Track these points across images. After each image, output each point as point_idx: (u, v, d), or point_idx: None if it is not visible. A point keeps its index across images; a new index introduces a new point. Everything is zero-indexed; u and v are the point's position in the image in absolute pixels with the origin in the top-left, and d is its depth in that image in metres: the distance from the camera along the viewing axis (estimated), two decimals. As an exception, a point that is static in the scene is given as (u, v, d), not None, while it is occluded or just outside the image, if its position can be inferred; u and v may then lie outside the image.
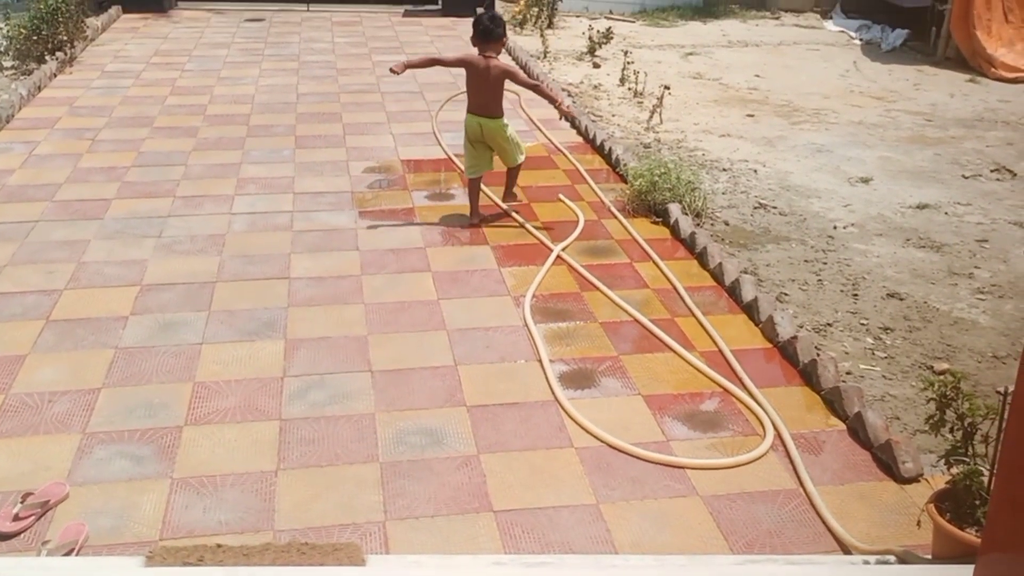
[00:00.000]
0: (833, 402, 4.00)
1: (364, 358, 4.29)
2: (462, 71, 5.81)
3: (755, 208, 6.23)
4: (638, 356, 4.36)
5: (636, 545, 3.19)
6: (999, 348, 4.59)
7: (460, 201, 6.18)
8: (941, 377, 3.71)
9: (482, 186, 5.92)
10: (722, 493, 3.46)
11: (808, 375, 4.20)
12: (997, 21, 10.59)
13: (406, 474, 3.52)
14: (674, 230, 5.75)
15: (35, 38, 9.27)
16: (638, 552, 3.15)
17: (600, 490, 3.45)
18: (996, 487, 2.31)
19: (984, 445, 2.80)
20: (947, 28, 10.81)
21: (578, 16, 13.20)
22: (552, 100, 6.03)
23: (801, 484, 3.50)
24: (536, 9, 12.44)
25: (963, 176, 7.03)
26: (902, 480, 3.52)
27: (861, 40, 12.11)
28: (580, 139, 7.61)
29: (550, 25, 12.30)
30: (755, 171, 6.96)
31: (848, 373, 4.31)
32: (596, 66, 10.28)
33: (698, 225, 5.77)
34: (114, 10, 12.18)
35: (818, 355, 4.27)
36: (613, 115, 8.37)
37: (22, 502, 3.21)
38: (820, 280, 5.23)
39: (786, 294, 5.05)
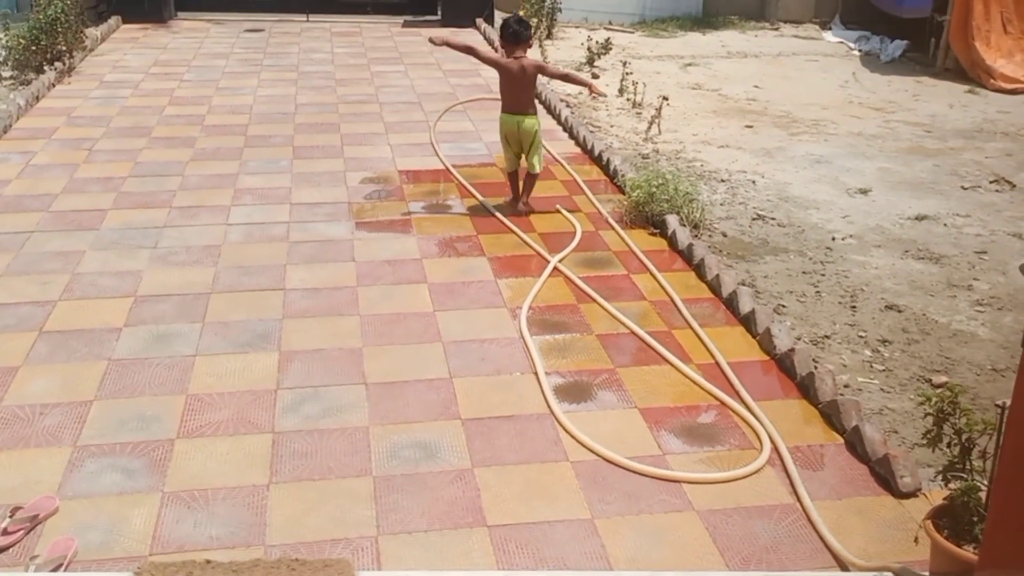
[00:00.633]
0: (831, 415, 3.96)
1: (359, 370, 4.27)
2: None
3: (753, 219, 6.21)
4: (635, 369, 4.34)
5: (632, 561, 3.16)
6: (998, 361, 4.56)
7: (457, 212, 6.17)
8: (939, 391, 3.68)
9: (484, 199, 5.93)
10: (718, 508, 3.42)
11: (806, 388, 4.17)
12: (996, 32, 10.58)
13: (399, 488, 3.48)
14: (672, 242, 5.73)
15: (34, 48, 9.26)
16: (633, 568, 3.12)
17: (595, 505, 3.41)
18: (993, 503, 2.28)
19: (982, 460, 2.77)
20: (946, 39, 10.81)
21: (577, 27, 13.20)
22: (584, 84, 6.48)
23: (798, 499, 3.47)
24: (535, 20, 12.43)
25: (962, 187, 7.01)
26: (900, 495, 3.49)
27: (860, 51, 12.10)
28: (578, 150, 7.59)
29: (549, 35, 12.30)
30: (753, 182, 6.94)
31: (846, 386, 4.28)
32: (595, 76, 10.26)
33: (696, 236, 5.75)
34: (114, 20, 12.19)
35: (816, 368, 4.24)
36: (611, 126, 8.35)
37: (11, 516, 3.18)
38: (818, 292, 5.20)
39: (784, 306, 5.02)
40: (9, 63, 9.36)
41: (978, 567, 2.27)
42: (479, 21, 12.80)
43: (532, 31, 6.03)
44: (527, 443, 3.76)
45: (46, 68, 9.28)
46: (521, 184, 6.24)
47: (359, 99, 9.00)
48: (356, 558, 3.11)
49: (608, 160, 7.00)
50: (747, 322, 4.73)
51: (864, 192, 6.81)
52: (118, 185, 6.52)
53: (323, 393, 4.08)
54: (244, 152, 7.30)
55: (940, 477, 2.94)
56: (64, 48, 9.62)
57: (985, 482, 2.70)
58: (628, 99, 9.17)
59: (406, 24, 13.17)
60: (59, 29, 9.46)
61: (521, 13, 12.35)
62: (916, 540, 3.06)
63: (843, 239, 5.94)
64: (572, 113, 8.40)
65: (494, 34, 12.01)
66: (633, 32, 13.10)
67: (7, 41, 9.37)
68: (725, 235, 5.94)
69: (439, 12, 13.37)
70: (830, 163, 7.47)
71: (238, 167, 6.95)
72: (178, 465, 3.58)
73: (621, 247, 5.70)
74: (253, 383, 4.14)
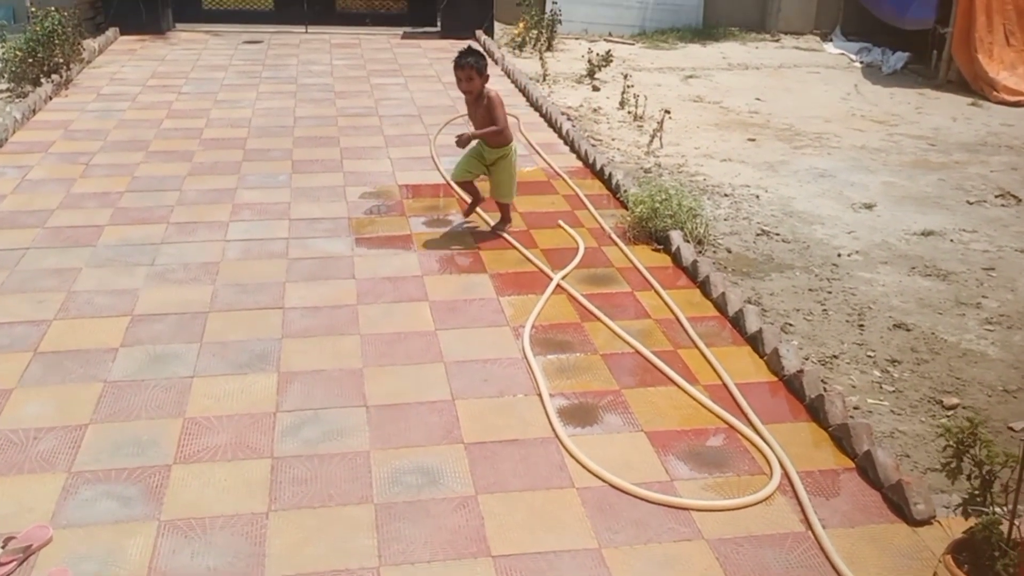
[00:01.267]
0: (841, 439, 3.88)
1: (359, 392, 4.18)
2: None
3: (758, 235, 6.14)
4: (640, 390, 4.26)
5: (640, 592, 3.08)
6: (1009, 381, 4.49)
7: (458, 227, 6.09)
8: (951, 412, 3.61)
9: (480, 210, 5.86)
10: (728, 536, 3.34)
11: (815, 410, 4.09)
12: (999, 44, 10.54)
13: (401, 516, 3.40)
14: (676, 258, 5.66)
15: (31, 60, 9.18)
16: (642, 600, 3.04)
17: (603, 533, 3.33)
18: None
19: (1004, 493, 2.69)
20: (948, 51, 10.77)
21: (577, 39, 13.16)
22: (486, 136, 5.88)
23: (810, 527, 3.39)
24: (535, 32, 12.39)
25: (968, 202, 6.95)
26: (914, 522, 3.41)
27: (862, 63, 12.06)
28: (580, 163, 7.52)
29: (549, 48, 12.26)
30: (757, 196, 6.87)
31: (856, 408, 4.21)
32: (596, 89, 10.22)
33: (700, 253, 5.67)
34: (111, 32, 12.13)
35: (825, 389, 4.16)
36: (613, 139, 8.29)
37: (3, 546, 3.09)
38: (825, 310, 5.13)
39: (791, 324, 4.95)
40: (5, 76, 9.28)
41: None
42: (479, 32, 12.74)
43: (484, 62, 5.70)
44: (532, 468, 3.68)
45: (43, 81, 9.20)
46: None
47: (359, 112, 8.94)
48: (357, 590, 3.03)
49: (610, 174, 6.93)
50: (754, 342, 4.65)
51: (869, 207, 6.74)
52: (115, 200, 6.44)
53: (323, 416, 4.00)
54: (243, 166, 7.22)
55: (960, 510, 2.86)
56: (61, 60, 9.54)
57: (1007, 515, 2.62)
58: (629, 112, 9.11)
59: (405, 36, 13.12)
60: (56, 41, 9.37)
61: (521, 25, 12.43)
62: (935, 575, 2.97)
63: (849, 255, 5.87)
64: (573, 126, 8.34)
65: (494, 46, 11.98)
66: (633, 44, 13.06)
67: (3, 53, 9.29)
68: (730, 251, 5.87)
69: (438, 23, 13.32)
70: (834, 177, 7.41)
71: (236, 182, 6.87)
72: (175, 492, 3.49)
73: (624, 263, 5.63)
74: (252, 405, 4.06)
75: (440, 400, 4.13)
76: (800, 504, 3.51)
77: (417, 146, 7.85)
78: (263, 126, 8.35)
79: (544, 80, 10.46)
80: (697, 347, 4.65)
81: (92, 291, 5.08)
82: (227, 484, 3.55)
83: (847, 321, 5.01)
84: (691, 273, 5.44)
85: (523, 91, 9.83)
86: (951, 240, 6.18)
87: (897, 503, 3.50)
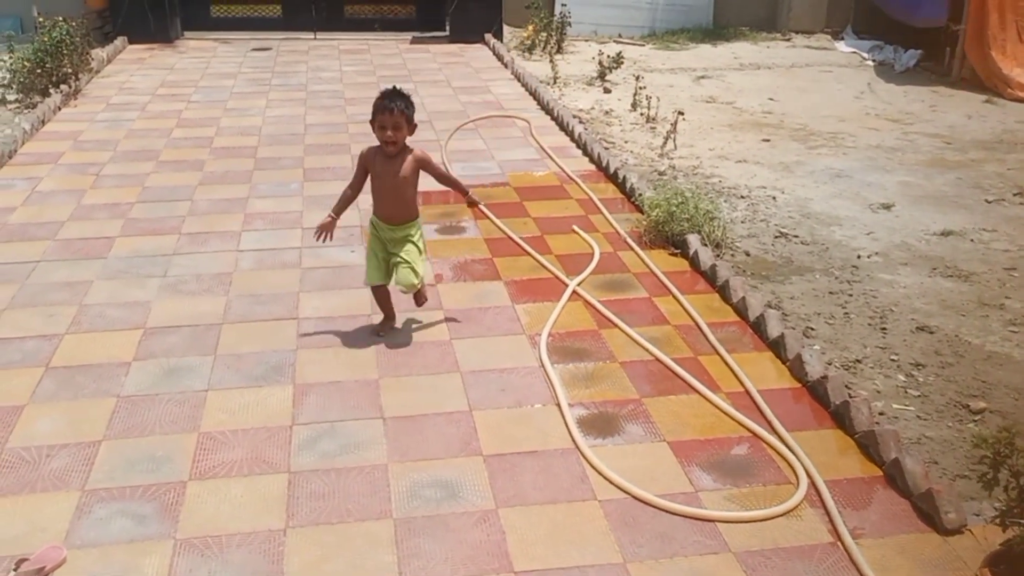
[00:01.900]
0: (868, 446, 3.80)
1: (376, 404, 4.12)
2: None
3: (776, 237, 6.06)
4: (661, 399, 4.18)
5: (667, 608, 3.01)
6: (1037, 384, 4.40)
7: (471, 235, 6.03)
8: (979, 416, 3.52)
9: (494, 216, 5.75)
10: (755, 549, 3.27)
11: (840, 417, 4.01)
12: (1012, 41, 10.43)
13: (421, 531, 3.33)
14: (693, 262, 5.58)
15: (39, 71, 9.17)
16: (669, 616, 2.97)
17: (627, 547, 3.26)
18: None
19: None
20: (962, 48, 10.67)
21: (587, 40, 13.09)
22: (462, 191, 5.02)
23: (839, 537, 3.31)
24: (545, 34, 12.33)
25: (986, 200, 6.86)
26: (945, 531, 3.33)
27: (874, 61, 11.96)
28: (593, 167, 7.45)
29: (559, 50, 12.19)
30: (774, 198, 6.79)
31: (881, 413, 4.12)
32: (607, 91, 10.14)
33: (718, 256, 5.60)
34: (120, 41, 12.11)
35: (850, 395, 4.08)
36: (626, 141, 8.22)
37: (15, 569, 3.04)
38: (847, 313, 5.05)
39: (812, 328, 4.87)
40: (14, 86, 9.27)
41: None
42: (488, 36, 12.69)
43: (414, 108, 4.45)
44: (552, 480, 3.61)
45: (52, 91, 9.19)
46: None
47: (369, 118, 8.85)
48: (378, 609, 2.96)
49: (624, 177, 6.85)
50: (776, 347, 4.57)
51: (887, 207, 6.65)
52: (126, 211, 6.39)
53: (339, 428, 3.93)
54: (254, 175, 7.17)
55: (996, 521, 2.78)
56: (70, 70, 9.53)
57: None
58: (642, 114, 9.04)
59: (414, 40, 13.07)
60: (64, 51, 9.37)
61: (530, 28, 12.36)
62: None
63: (868, 257, 5.79)
64: (585, 129, 8.27)
65: (503, 49, 11.91)
66: (644, 45, 12.98)
67: (11, 64, 9.28)
68: (748, 254, 5.78)
69: (447, 28, 13.26)
70: (850, 177, 7.32)
71: (248, 191, 6.82)
72: (190, 509, 3.44)
73: (641, 268, 5.55)
74: (267, 419, 4.00)
75: (457, 411, 4.07)
76: (828, 514, 3.43)
77: (428, 152, 7.76)
78: (273, 134, 8.30)
79: (555, 83, 10.39)
80: (718, 353, 4.58)
81: (104, 304, 5.04)
82: (244, 500, 3.49)
83: (869, 324, 4.93)
84: (710, 277, 5.36)
85: (534, 94, 9.77)
86: (971, 240, 6.09)
87: (927, 512, 3.41)
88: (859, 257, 5.77)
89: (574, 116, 8.68)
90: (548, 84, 10.27)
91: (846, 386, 4.22)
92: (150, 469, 3.66)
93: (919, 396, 4.28)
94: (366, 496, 3.52)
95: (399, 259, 4.51)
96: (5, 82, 9.41)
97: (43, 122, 8.47)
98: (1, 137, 7.81)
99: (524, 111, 9.15)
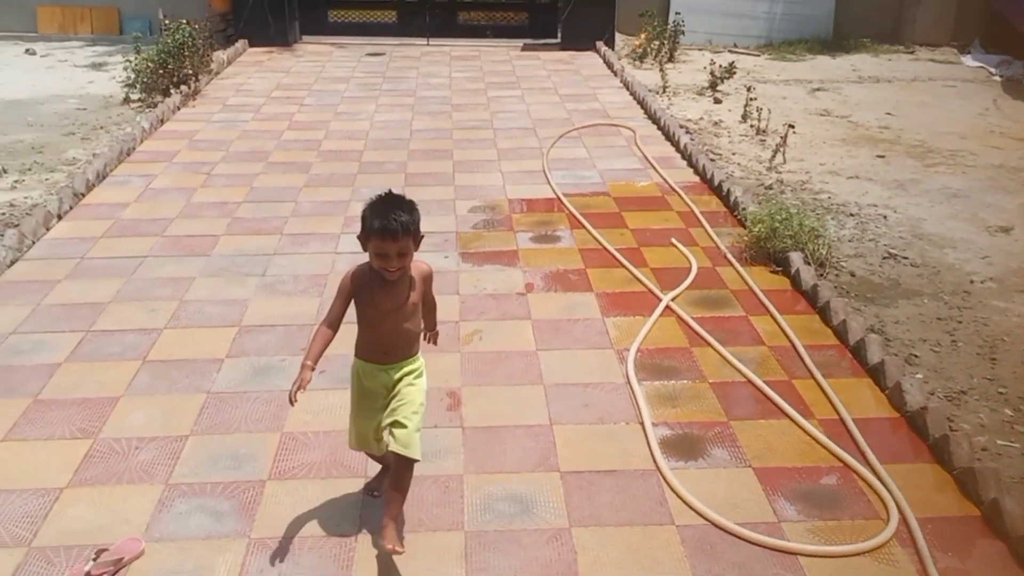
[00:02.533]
0: (966, 484, 3.59)
1: (456, 412, 4.10)
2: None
3: (884, 258, 5.81)
4: (750, 422, 4.04)
5: (739, 643, 2.88)
6: None
7: (566, 244, 5.96)
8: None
9: (590, 226, 5.66)
10: (838, 586, 3.12)
11: (939, 451, 3.80)
12: None
13: (492, 546, 3.29)
14: (795, 281, 5.39)
15: (161, 72, 9.51)
16: (741, 652, 2.85)
17: (701, 576, 3.15)
18: None
19: None
20: (1100, 63, 10.09)
21: (700, 49, 12.88)
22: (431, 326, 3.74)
23: (929, 580, 3.13)
24: (657, 43, 12.18)
25: (1118, 226, 6.44)
26: (1048, 581, 3.11)
27: (1001, 76, 11.42)
28: (697, 179, 7.29)
29: (671, 59, 12.03)
30: (885, 217, 6.52)
31: (983, 449, 3.89)
32: (717, 101, 9.95)
33: (821, 276, 5.40)
34: (240, 44, 12.48)
35: (951, 428, 3.87)
36: (733, 153, 8.03)
37: (95, 559, 3.11)
38: (954, 341, 4.80)
39: (916, 356, 4.64)
40: (138, 86, 9.63)
41: None
42: (599, 44, 12.61)
43: (418, 216, 3.18)
44: (630, 502, 3.52)
45: (172, 91, 9.51)
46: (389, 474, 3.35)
47: (474, 125, 8.91)
48: (442, 623, 2.93)
49: (728, 191, 6.69)
50: (875, 374, 4.37)
51: (1006, 230, 6.31)
52: (232, 210, 6.55)
53: (419, 436, 3.91)
54: (357, 179, 7.27)
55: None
56: (190, 71, 9.85)
57: None
58: (752, 125, 8.82)
59: (525, 47, 13.08)
60: (186, 53, 9.69)
61: (643, 36, 12.23)
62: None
63: (982, 282, 5.50)
64: (692, 140, 8.11)
65: (614, 57, 11.81)
66: (759, 55, 12.70)
67: (136, 64, 9.64)
68: (853, 275, 5.56)
69: (559, 35, 13.23)
70: (968, 197, 6.98)
71: (350, 194, 6.91)
72: (267, 509, 3.47)
73: (740, 286, 5.39)
74: (348, 422, 4.00)
75: (537, 424, 4.01)
76: (918, 553, 3.25)
77: (529, 160, 7.76)
78: (380, 139, 8.41)
79: (664, 92, 10.25)
80: (814, 378, 4.40)
81: (203, 300, 5.16)
82: (319, 503, 3.50)
83: (978, 354, 4.67)
84: (811, 298, 5.17)
85: (641, 103, 9.64)
86: (1098, 268, 5.73)
87: (1029, 559, 3.20)
88: (972, 282, 5.49)
89: (681, 126, 8.53)
90: (657, 93, 10.13)
91: (948, 418, 4.00)
92: (232, 466, 3.71)
93: (1029, 433, 4.03)
94: (439, 506, 3.50)
95: (396, 419, 3.21)
96: (130, 81, 9.79)
97: (162, 121, 8.78)
98: (121, 135, 8.12)
99: (630, 120, 9.04)
